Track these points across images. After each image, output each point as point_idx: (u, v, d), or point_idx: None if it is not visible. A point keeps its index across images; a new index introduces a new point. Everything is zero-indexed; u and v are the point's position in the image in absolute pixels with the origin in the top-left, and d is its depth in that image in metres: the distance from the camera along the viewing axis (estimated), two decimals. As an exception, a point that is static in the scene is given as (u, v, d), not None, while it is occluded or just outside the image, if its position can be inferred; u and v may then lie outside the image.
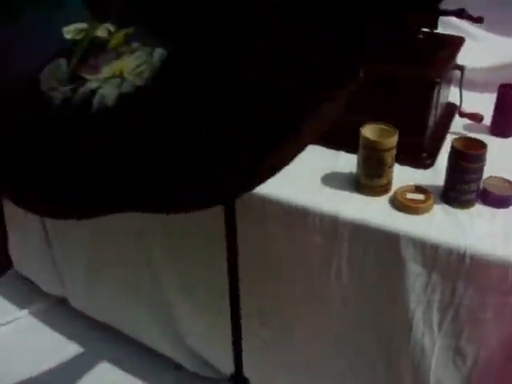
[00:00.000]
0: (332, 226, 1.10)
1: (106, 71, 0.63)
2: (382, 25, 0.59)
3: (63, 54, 0.67)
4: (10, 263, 1.91)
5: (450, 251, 1.02)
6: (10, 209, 1.78)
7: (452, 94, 1.41)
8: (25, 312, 1.82)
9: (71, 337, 1.74)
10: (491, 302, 1.02)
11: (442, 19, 1.27)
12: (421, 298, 1.08)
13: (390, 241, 1.07)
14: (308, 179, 1.18)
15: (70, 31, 0.67)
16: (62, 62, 0.65)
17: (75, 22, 0.67)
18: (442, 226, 1.06)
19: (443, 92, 1.28)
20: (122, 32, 0.66)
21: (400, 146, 1.11)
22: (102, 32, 0.67)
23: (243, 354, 1.07)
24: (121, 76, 0.61)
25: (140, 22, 0.65)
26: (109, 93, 0.60)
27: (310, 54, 0.57)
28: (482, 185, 1.10)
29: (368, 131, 1.11)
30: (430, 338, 1.10)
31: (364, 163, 1.12)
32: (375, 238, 1.08)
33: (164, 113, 0.57)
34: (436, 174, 1.20)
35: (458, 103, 1.36)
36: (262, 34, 0.60)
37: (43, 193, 0.61)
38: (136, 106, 0.59)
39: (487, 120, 1.35)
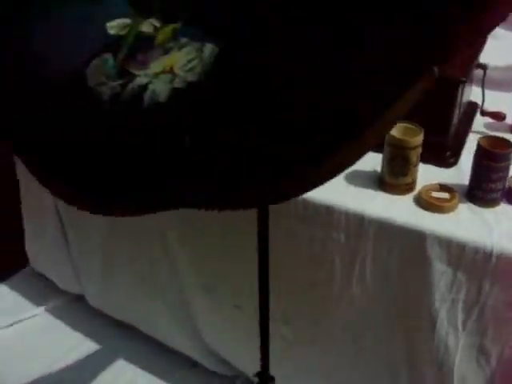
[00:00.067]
0: (357, 224, 1.10)
1: (154, 67, 0.62)
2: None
3: (108, 49, 0.67)
4: (26, 260, 1.92)
5: (476, 250, 1.02)
6: (27, 206, 1.78)
7: (473, 93, 1.41)
8: (41, 309, 1.82)
9: (88, 334, 1.73)
10: (517, 301, 1.02)
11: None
12: (445, 297, 1.08)
13: (415, 239, 1.06)
14: (332, 177, 1.18)
15: (113, 26, 0.67)
16: (109, 56, 0.65)
17: (116, 17, 0.67)
18: (468, 224, 1.06)
19: (466, 91, 1.28)
20: (170, 27, 0.65)
21: (424, 144, 1.11)
22: (146, 27, 0.66)
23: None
24: (171, 72, 0.61)
25: (186, 17, 0.64)
26: (161, 88, 0.60)
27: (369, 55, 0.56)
28: (507, 183, 1.10)
29: (393, 130, 1.11)
30: (455, 337, 1.10)
31: (389, 162, 1.12)
32: (400, 237, 1.08)
33: (217, 109, 0.56)
34: (459, 173, 1.20)
35: (478, 101, 1.36)
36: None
37: (105, 192, 0.61)
38: (189, 102, 0.59)
39: (509, 118, 1.34)
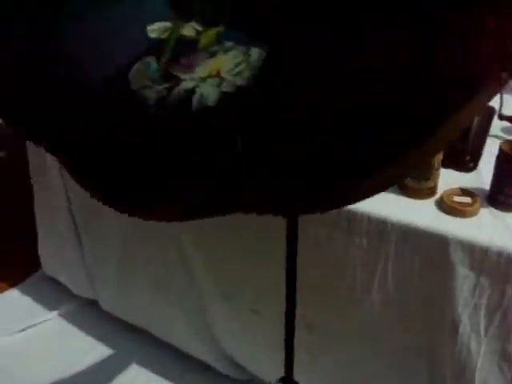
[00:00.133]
0: (379, 228, 1.10)
1: (200, 70, 0.62)
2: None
3: (151, 52, 0.66)
4: (38, 265, 1.91)
5: (499, 254, 1.02)
6: (40, 210, 1.78)
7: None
8: (54, 314, 1.82)
9: (101, 338, 1.73)
10: (540, 306, 1.02)
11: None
12: (468, 302, 1.08)
13: (438, 244, 1.06)
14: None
15: (154, 30, 0.67)
16: (151, 60, 0.65)
17: (156, 20, 0.67)
18: (490, 228, 1.06)
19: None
20: (214, 31, 0.65)
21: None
22: (187, 31, 0.66)
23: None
24: (218, 75, 0.61)
25: (227, 20, 0.64)
26: (209, 92, 0.60)
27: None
28: (529, 188, 1.10)
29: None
30: (477, 343, 1.09)
31: (411, 166, 1.12)
32: (423, 241, 1.08)
33: (265, 114, 0.56)
34: (478, 177, 1.19)
35: (496, 106, 1.36)
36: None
37: (157, 194, 0.60)
38: (238, 106, 0.59)
39: (527, 123, 1.35)
